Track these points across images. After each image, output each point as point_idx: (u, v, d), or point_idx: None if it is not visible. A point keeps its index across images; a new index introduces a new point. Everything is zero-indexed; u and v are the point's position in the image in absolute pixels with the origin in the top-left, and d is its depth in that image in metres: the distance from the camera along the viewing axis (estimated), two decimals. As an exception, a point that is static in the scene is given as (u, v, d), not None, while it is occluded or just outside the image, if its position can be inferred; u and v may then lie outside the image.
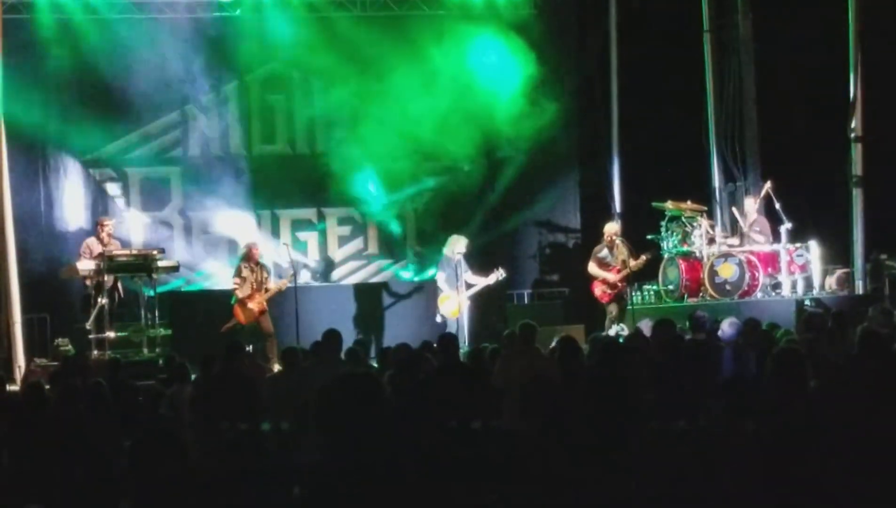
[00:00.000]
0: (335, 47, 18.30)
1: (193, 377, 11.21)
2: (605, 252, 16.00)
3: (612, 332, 14.92)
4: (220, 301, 16.75)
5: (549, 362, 10.23)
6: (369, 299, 17.02)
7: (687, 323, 11.97)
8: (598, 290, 15.97)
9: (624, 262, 15.79)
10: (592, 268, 16.00)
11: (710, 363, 10.16)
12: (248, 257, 15.86)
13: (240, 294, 15.64)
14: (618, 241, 16.02)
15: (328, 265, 18.85)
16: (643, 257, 15.95)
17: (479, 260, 16.89)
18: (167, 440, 7.19)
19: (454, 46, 18.39)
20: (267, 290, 15.72)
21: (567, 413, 8.16)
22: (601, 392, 8.48)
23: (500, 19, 18.78)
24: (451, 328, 15.11)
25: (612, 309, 15.83)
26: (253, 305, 15.58)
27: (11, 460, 7.92)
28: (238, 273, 15.82)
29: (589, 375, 9.17)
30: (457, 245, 15.95)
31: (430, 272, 17.51)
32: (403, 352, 10.70)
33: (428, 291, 16.23)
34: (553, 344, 11.22)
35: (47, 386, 9.58)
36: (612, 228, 16.28)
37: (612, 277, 15.79)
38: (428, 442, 7.57)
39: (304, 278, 17.99)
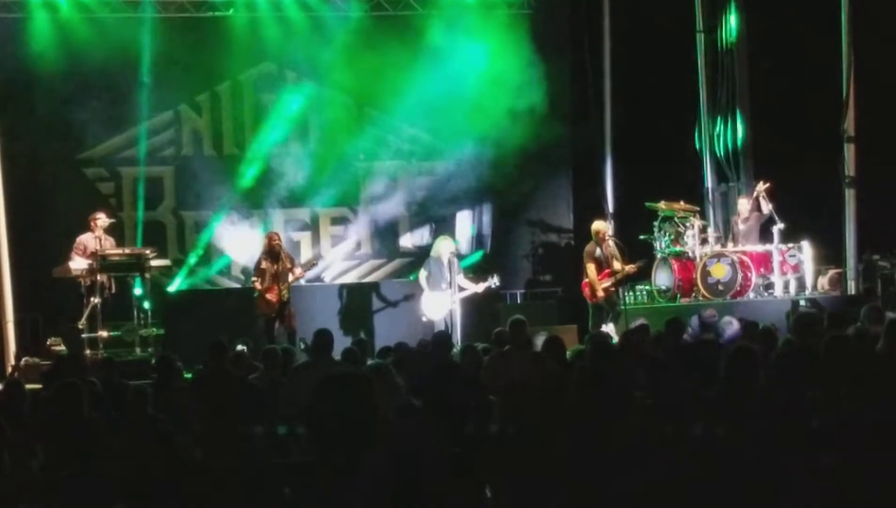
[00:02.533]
0: (329, 47, 18.34)
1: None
2: (599, 251, 15.92)
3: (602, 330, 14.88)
4: (212, 301, 16.73)
5: (537, 364, 10.13)
6: (359, 299, 17.00)
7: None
8: (587, 290, 15.93)
9: (613, 262, 15.74)
10: (591, 271, 15.87)
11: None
12: (267, 250, 15.73)
13: (259, 287, 15.56)
14: (609, 240, 15.98)
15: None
16: (634, 264, 15.91)
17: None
18: (160, 440, 7.21)
19: (447, 47, 18.37)
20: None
21: (554, 415, 8.12)
22: (597, 391, 8.45)
23: (494, 20, 18.79)
24: (440, 328, 15.07)
25: (605, 311, 15.80)
26: (271, 296, 15.49)
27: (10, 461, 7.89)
28: (257, 267, 15.75)
29: (585, 373, 9.13)
30: (442, 247, 15.90)
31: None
32: (404, 350, 10.70)
33: (418, 292, 16.21)
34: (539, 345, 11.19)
35: (37, 385, 9.56)
36: (602, 225, 16.20)
37: (599, 291, 15.72)
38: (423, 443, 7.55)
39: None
